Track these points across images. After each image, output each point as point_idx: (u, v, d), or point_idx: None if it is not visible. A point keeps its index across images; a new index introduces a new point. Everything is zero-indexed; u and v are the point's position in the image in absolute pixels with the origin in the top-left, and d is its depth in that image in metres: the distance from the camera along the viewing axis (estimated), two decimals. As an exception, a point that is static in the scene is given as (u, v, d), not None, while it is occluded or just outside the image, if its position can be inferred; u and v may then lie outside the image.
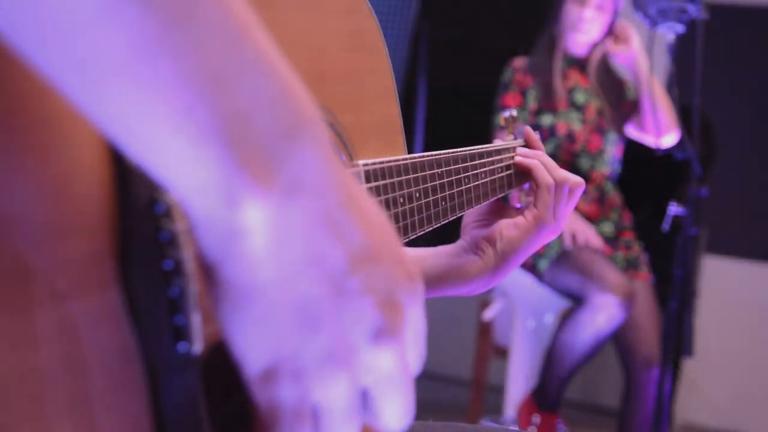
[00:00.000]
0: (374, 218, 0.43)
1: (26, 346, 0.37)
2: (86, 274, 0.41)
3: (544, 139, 2.62)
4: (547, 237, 0.88)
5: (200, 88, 0.36)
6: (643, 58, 2.57)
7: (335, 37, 0.72)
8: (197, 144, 0.37)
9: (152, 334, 0.43)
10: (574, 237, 2.53)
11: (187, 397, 0.46)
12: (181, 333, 0.44)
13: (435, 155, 0.76)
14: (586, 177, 2.60)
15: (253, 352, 0.40)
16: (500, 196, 0.90)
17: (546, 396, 2.53)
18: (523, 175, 0.91)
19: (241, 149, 0.38)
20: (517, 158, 0.91)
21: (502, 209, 0.91)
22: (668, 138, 2.59)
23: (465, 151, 0.83)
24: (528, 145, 0.95)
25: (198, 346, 0.45)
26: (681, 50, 2.23)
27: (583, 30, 2.60)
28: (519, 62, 2.71)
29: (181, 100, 0.36)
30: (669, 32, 2.12)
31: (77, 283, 0.40)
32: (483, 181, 0.85)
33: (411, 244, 0.75)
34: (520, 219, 0.87)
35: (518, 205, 0.90)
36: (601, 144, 2.66)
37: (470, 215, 0.91)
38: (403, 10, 3.52)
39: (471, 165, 0.83)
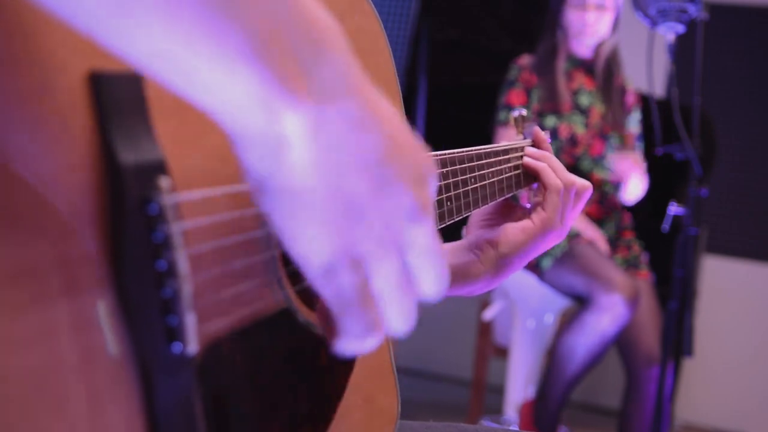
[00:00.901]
0: (390, 113, 0.46)
1: (23, 345, 0.37)
2: (79, 275, 0.40)
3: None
4: (553, 241, 0.87)
5: (230, 14, 0.39)
6: (639, 180, 2.55)
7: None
8: (237, 66, 0.40)
9: (145, 335, 0.43)
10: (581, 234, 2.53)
11: (182, 398, 0.46)
12: (175, 334, 0.44)
13: (440, 155, 0.76)
14: (587, 179, 2.58)
15: (313, 251, 0.43)
16: (508, 196, 0.89)
17: (546, 404, 2.51)
18: (530, 176, 0.91)
19: (276, 64, 0.41)
20: (526, 159, 0.90)
21: (508, 209, 0.90)
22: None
23: (471, 151, 0.82)
24: (536, 144, 0.94)
25: (192, 347, 0.45)
26: (681, 50, 2.23)
27: (590, 33, 2.60)
28: (525, 60, 2.69)
29: (215, 27, 0.39)
30: (669, 32, 2.12)
31: (71, 284, 0.40)
32: (490, 181, 0.84)
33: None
34: (526, 222, 0.86)
35: (528, 205, 0.89)
36: (603, 149, 2.65)
37: (476, 215, 0.90)
38: (403, 10, 3.51)
39: (477, 165, 0.82)
